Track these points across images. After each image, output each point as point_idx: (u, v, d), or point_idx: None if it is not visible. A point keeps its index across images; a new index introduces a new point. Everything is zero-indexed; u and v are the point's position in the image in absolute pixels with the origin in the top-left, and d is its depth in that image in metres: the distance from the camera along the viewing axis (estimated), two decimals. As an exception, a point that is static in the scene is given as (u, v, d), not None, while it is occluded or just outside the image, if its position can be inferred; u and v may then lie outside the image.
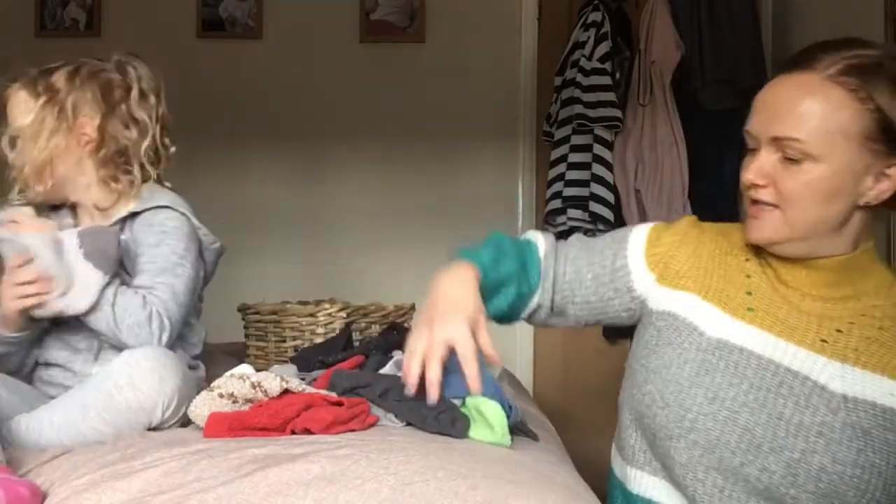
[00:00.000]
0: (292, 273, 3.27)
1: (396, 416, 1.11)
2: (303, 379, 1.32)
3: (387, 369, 1.30)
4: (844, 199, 0.97)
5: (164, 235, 1.31)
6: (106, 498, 0.86)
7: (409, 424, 1.10)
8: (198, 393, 1.12)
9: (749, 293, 1.05)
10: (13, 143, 1.31)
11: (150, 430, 1.10)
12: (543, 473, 0.94)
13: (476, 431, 1.06)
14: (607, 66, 3.12)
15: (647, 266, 1.12)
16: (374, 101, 3.45)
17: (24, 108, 1.30)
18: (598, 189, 3.15)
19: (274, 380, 1.05)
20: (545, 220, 3.37)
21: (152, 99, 1.37)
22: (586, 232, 3.27)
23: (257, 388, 1.04)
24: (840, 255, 1.01)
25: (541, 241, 1.20)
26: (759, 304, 1.03)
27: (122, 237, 1.30)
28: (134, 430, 1.08)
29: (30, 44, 3.36)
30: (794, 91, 0.97)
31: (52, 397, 1.22)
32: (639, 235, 1.15)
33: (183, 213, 1.35)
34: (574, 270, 1.16)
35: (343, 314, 1.74)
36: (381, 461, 0.89)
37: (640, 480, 1.07)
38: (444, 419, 1.05)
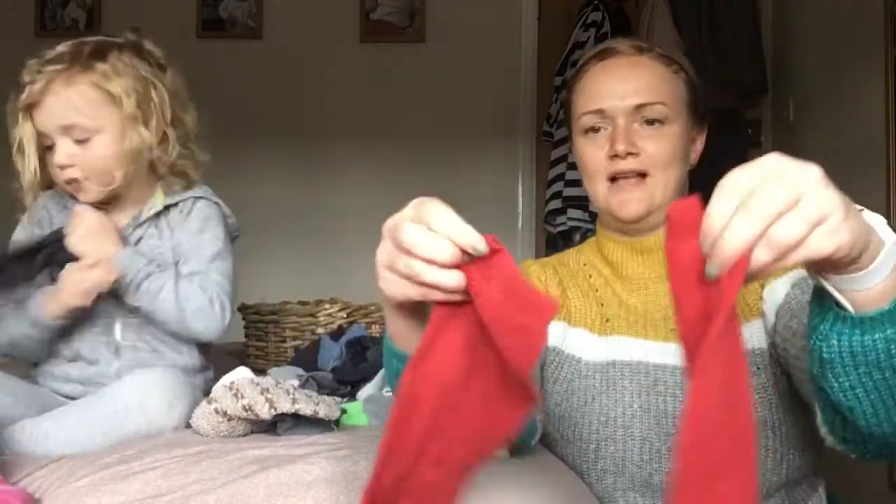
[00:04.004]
0: (292, 273, 3.27)
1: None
2: (303, 379, 1.32)
3: (376, 380, 1.29)
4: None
5: (206, 222, 1.30)
6: (105, 500, 0.86)
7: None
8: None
9: (601, 304, 1.06)
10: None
11: None
12: (543, 473, 0.93)
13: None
14: (607, 65, 3.12)
15: None
16: (373, 101, 3.45)
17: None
18: (598, 189, 3.15)
19: (264, 405, 1.02)
20: (545, 220, 3.37)
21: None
22: (586, 232, 3.27)
23: (248, 411, 1.02)
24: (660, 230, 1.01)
25: None
26: (612, 312, 1.04)
27: (152, 230, 1.27)
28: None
29: (30, 44, 3.33)
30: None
31: (62, 394, 1.20)
32: None
33: (216, 202, 1.34)
34: None
35: (343, 314, 1.74)
36: (381, 462, 0.89)
37: None
38: None
